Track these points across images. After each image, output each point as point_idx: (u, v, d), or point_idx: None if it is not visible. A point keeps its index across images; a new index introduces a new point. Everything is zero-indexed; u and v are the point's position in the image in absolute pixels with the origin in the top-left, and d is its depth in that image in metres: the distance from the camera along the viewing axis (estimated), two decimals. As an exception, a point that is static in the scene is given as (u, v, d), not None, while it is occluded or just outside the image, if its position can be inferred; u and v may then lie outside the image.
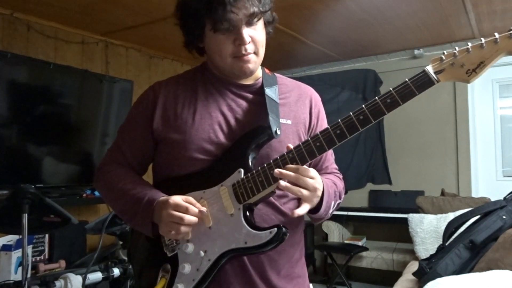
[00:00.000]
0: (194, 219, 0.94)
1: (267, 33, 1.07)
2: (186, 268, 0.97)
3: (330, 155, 1.19)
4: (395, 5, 2.85)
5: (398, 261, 3.64)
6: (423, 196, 3.52)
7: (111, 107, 3.33)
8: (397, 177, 4.16)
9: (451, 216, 2.92)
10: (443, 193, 3.46)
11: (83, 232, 2.93)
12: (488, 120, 3.89)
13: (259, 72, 1.11)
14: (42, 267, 2.58)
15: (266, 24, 1.05)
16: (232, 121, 1.04)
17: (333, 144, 0.92)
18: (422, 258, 2.70)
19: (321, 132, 0.93)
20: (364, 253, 3.80)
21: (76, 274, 2.15)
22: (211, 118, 1.04)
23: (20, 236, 1.92)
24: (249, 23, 0.97)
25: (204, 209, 0.96)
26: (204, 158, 1.02)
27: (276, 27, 1.11)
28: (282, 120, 1.05)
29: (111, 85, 3.31)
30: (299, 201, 1.11)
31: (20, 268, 2.26)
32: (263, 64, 1.11)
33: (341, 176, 1.19)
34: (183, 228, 0.94)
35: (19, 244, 2.37)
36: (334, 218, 4.13)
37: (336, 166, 1.22)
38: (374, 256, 3.79)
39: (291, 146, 0.94)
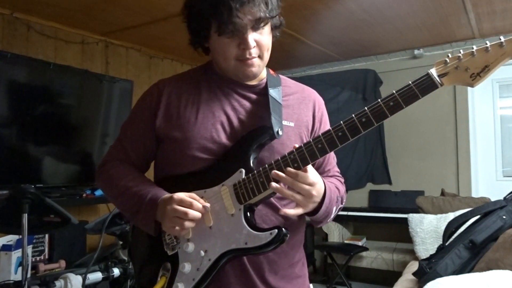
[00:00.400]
0: (198, 214, 0.94)
1: (274, 37, 1.07)
2: (186, 267, 0.97)
3: (332, 158, 1.19)
4: (395, 5, 2.85)
5: (398, 261, 3.64)
6: (423, 196, 3.52)
7: (111, 107, 3.33)
8: (397, 177, 4.16)
9: (451, 216, 2.92)
10: (443, 193, 3.46)
11: (83, 232, 2.93)
12: (488, 120, 3.89)
13: (263, 73, 1.11)
14: (42, 267, 2.58)
15: (273, 28, 1.04)
16: (234, 121, 1.04)
17: (334, 146, 0.91)
18: (422, 258, 2.70)
19: (323, 134, 0.92)
20: (364, 253, 3.80)
21: (76, 274, 2.16)
22: (214, 117, 1.04)
23: (20, 236, 1.92)
24: (255, 28, 0.97)
25: (207, 204, 0.97)
26: (206, 157, 1.02)
27: (276, 27, 1.11)
28: (285, 122, 1.05)
29: (111, 85, 3.32)
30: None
31: (20, 268, 2.26)
32: None
33: (342, 180, 1.19)
34: (187, 223, 0.94)
35: (19, 244, 2.37)
36: (334, 218, 4.12)
37: (338, 170, 1.21)
38: (374, 256, 3.79)
39: (297, 146, 0.94)
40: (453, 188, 3.82)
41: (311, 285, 1.18)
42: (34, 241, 2.72)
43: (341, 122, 0.91)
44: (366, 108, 0.89)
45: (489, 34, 3.50)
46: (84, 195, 3.07)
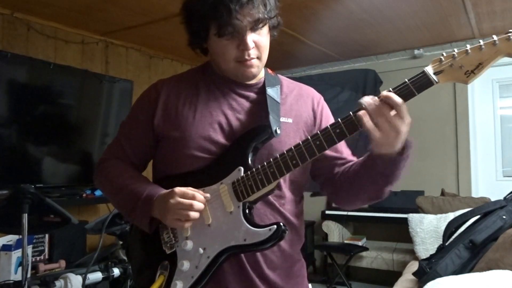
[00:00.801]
0: (202, 205, 0.95)
1: (272, 36, 1.07)
2: (185, 265, 0.97)
3: (344, 147, 1.14)
4: (395, 5, 2.85)
5: (398, 261, 3.64)
6: (423, 196, 3.52)
7: (111, 107, 3.33)
8: (397, 177, 4.16)
9: (451, 216, 2.92)
10: (443, 193, 3.46)
11: (83, 232, 2.93)
12: (488, 120, 3.89)
13: (261, 72, 1.12)
14: (42, 267, 2.58)
15: (271, 28, 1.05)
16: (232, 120, 1.05)
17: (332, 142, 0.91)
18: (422, 258, 2.70)
19: (321, 131, 0.92)
20: (364, 253, 3.80)
21: (76, 274, 2.16)
22: (212, 116, 1.05)
23: (20, 236, 1.91)
24: (254, 29, 0.98)
25: (208, 195, 0.98)
26: (204, 156, 1.02)
27: (276, 27, 1.11)
28: (282, 119, 1.05)
29: (111, 85, 3.32)
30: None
31: (20, 268, 2.25)
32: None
33: None
34: (193, 214, 0.94)
35: (19, 244, 2.37)
36: (334, 218, 4.13)
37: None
38: (374, 256, 3.79)
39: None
40: (453, 188, 3.82)
41: (310, 285, 1.19)
42: (34, 241, 2.72)
43: (339, 119, 0.91)
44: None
45: (489, 34, 3.50)
46: (84, 195, 3.07)
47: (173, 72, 3.18)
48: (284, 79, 1.18)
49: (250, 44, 0.98)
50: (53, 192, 2.85)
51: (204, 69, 1.14)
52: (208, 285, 0.96)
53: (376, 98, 0.87)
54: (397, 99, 0.85)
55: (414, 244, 3.16)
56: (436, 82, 0.86)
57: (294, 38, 3.49)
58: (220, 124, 1.04)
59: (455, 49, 0.87)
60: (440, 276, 2.07)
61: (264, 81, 1.10)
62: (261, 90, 1.09)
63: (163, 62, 4.01)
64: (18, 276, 2.32)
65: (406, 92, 0.86)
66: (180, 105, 1.06)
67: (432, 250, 2.76)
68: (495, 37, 0.83)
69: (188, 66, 4.20)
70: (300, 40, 3.57)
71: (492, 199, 2.71)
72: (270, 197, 1.02)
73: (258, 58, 1.02)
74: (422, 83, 0.86)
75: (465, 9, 2.95)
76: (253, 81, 1.10)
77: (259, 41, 1.00)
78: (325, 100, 1.21)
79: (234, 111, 1.06)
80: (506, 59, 0.93)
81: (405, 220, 3.29)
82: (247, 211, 0.96)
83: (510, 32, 0.82)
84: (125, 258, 2.55)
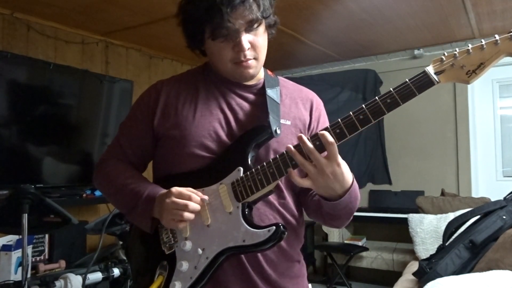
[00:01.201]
0: (197, 206, 0.95)
1: (269, 35, 1.07)
2: (184, 265, 0.97)
3: None
4: (395, 5, 2.85)
5: (398, 261, 3.64)
6: (423, 196, 3.52)
7: (111, 107, 3.33)
8: (397, 177, 4.16)
9: (451, 216, 2.92)
10: (443, 193, 3.46)
11: (83, 232, 2.93)
12: (488, 120, 3.89)
13: (261, 73, 1.12)
14: (42, 267, 2.58)
15: (267, 27, 1.05)
16: (232, 120, 1.05)
17: None
18: (422, 258, 2.70)
19: (321, 131, 0.92)
20: (364, 253, 3.80)
21: (76, 274, 2.16)
22: (212, 115, 1.05)
23: (20, 236, 1.92)
24: (249, 30, 0.98)
25: (206, 197, 0.97)
26: (204, 154, 1.02)
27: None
28: (281, 121, 1.05)
29: (111, 85, 3.32)
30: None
31: (20, 268, 2.26)
32: (264, 65, 1.11)
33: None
34: (187, 214, 0.93)
35: (19, 244, 2.37)
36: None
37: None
38: (374, 256, 3.79)
39: (291, 147, 0.92)
40: (453, 188, 3.82)
41: (310, 285, 1.18)
42: (34, 241, 2.72)
43: (339, 119, 0.91)
44: (363, 105, 0.89)
45: (489, 34, 3.50)
46: (84, 195, 3.07)
47: (173, 72, 3.18)
48: (284, 80, 1.17)
49: (246, 45, 0.98)
50: (53, 192, 2.85)
51: (203, 70, 1.14)
52: (208, 285, 0.96)
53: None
54: (329, 139, 0.87)
55: (414, 244, 3.16)
56: (437, 82, 0.86)
57: (294, 38, 3.49)
58: (220, 123, 1.04)
59: (457, 49, 0.86)
60: (440, 276, 2.07)
61: (264, 82, 1.10)
62: (261, 91, 1.09)
63: (163, 62, 4.01)
64: (18, 276, 2.32)
65: (407, 92, 0.86)
66: (180, 105, 1.06)
67: (432, 250, 2.76)
68: (497, 37, 0.82)
69: (188, 66, 4.20)
70: (300, 40, 3.57)
71: (492, 199, 2.71)
72: (270, 197, 1.02)
73: (255, 58, 1.02)
74: (423, 83, 0.86)
75: (465, 9, 2.95)
76: (252, 82, 1.10)
77: (255, 41, 1.00)
78: (325, 100, 1.20)
79: (233, 111, 1.06)
80: (506, 59, 0.93)
81: (405, 220, 3.29)
82: (246, 212, 0.96)
83: (512, 31, 0.82)
84: (125, 258, 2.55)
